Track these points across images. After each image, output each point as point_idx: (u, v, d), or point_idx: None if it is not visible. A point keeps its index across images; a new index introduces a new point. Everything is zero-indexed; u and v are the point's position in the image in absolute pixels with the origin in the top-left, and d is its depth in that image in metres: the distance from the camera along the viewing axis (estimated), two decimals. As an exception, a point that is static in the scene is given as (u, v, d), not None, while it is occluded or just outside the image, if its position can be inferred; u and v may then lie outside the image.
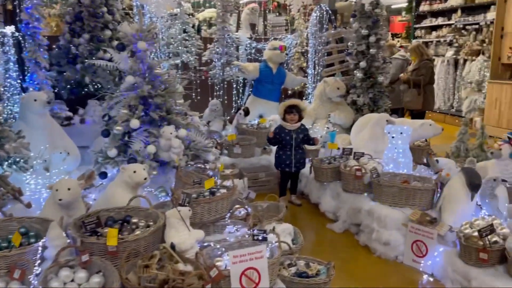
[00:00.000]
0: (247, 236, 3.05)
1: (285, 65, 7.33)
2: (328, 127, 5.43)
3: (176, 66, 6.47)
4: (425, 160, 4.33)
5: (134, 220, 2.96)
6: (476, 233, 2.98)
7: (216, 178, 4.57)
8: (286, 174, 4.77)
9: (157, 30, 6.06)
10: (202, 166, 4.78)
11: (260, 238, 2.86)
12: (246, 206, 3.63)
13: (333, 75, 6.67)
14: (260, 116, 7.05)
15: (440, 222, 3.44)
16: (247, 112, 6.39)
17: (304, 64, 7.24)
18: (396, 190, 3.72)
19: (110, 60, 4.29)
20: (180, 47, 6.40)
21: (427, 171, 4.16)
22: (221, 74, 6.31)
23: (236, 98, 7.35)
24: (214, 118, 6.55)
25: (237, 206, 3.74)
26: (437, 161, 4.15)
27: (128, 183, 3.34)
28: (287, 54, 6.87)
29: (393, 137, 4.29)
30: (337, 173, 4.45)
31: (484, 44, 9.20)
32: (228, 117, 6.68)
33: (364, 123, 5.49)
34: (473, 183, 3.44)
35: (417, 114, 6.93)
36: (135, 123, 3.96)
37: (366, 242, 3.81)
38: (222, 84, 6.53)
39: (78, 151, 4.54)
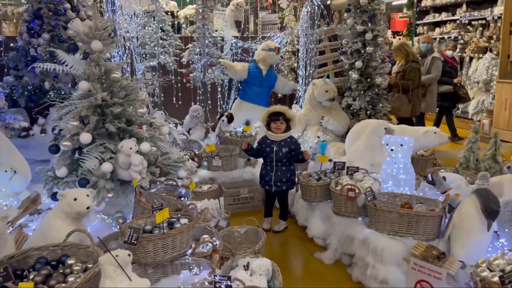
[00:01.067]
0: (207, 283, 2.44)
1: (274, 66, 6.72)
2: (319, 136, 4.80)
3: (152, 68, 5.86)
4: (429, 177, 3.69)
5: (70, 262, 2.39)
6: (496, 278, 2.35)
7: (186, 199, 3.97)
8: (268, 193, 4.14)
9: (124, 28, 5.45)
10: (174, 183, 4.18)
11: (222, 287, 2.29)
12: (214, 238, 3.02)
13: (327, 77, 6.04)
14: (247, 123, 6.43)
15: (449, 258, 2.81)
16: (230, 119, 5.77)
17: (295, 65, 6.61)
18: (396, 216, 3.09)
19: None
20: (156, 48, 5.78)
21: (433, 190, 3.53)
22: (202, 77, 5.68)
23: (221, 102, 6.73)
24: (195, 126, 5.94)
25: (204, 236, 3.13)
26: (444, 178, 3.52)
27: (68, 213, 2.76)
28: (282, 57, 6.25)
29: (392, 149, 3.66)
30: (327, 192, 3.82)
31: (492, 41, 8.55)
32: (212, 124, 6.07)
33: (360, 130, 4.86)
34: (490, 209, 2.81)
35: (405, 121, 6.30)
36: (85, 137, 3.35)
37: (359, 278, 3.18)
38: (205, 88, 5.90)
39: (28, 169, 3.92)
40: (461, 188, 3.53)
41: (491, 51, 8.58)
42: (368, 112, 5.53)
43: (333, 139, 5.41)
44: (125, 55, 5.75)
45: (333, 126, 5.36)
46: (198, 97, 6.49)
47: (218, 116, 5.83)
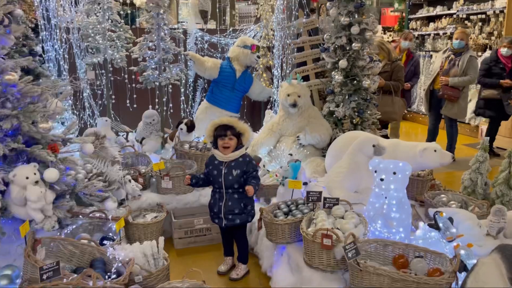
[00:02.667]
0: None
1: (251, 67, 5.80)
2: (291, 154, 3.88)
3: (95, 65, 4.90)
4: (431, 214, 2.82)
5: None
6: None
7: (118, 237, 3.06)
8: (221, 228, 3.23)
9: (63, 17, 4.47)
10: (103, 215, 3.27)
11: None
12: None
13: (305, 77, 5.13)
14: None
15: None
16: (191, 127, 4.84)
17: (271, 62, 5.69)
18: (387, 282, 2.20)
19: None
20: (102, 40, 4.80)
21: (437, 234, 2.65)
22: (156, 76, 4.73)
23: (185, 106, 5.78)
24: (149, 135, 4.99)
25: (118, 308, 2.23)
26: (450, 220, 2.64)
27: None
28: (258, 57, 5.29)
29: (381, 179, 2.76)
30: (299, 231, 2.92)
31: (493, 38, 7.71)
32: (169, 133, 5.12)
33: (343, 145, 3.97)
34: (521, 278, 1.95)
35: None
36: (-42, 164, 2.41)
37: None
38: (161, 90, 4.95)
39: None
40: (472, 232, 2.66)
41: (491, 49, 7.75)
42: (354, 120, 4.64)
43: (312, 153, 4.51)
44: (63, 49, 4.77)
45: (313, 140, 4.45)
46: (157, 99, 5.53)
47: (177, 123, 4.89)
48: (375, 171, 2.84)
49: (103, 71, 5.09)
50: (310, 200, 3.04)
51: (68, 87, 4.62)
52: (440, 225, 2.58)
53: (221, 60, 5.32)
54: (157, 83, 4.75)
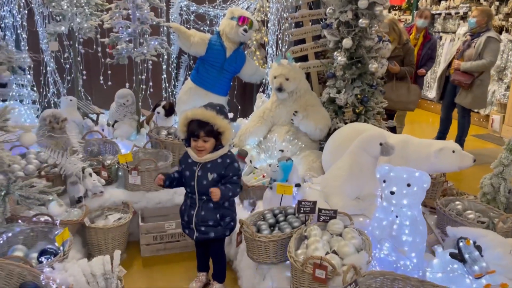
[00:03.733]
0: None
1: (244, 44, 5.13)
2: (282, 150, 3.28)
3: (61, 35, 4.23)
4: (450, 235, 2.26)
5: None
6: None
7: (62, 249, 2.50)
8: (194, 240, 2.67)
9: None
10: (50, 219, 2.72)
11: None
12: None
13: (304, 57, 4.49)
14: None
15: None
16: (169, 110, 4.23)
17: (266, 39, 5.03)
18: None
19: None
20: (67, 7, 4.12)
21: (461, 267, 2.09)
22: (131, 51, 4.07)
23: (167, 85, 5.14)
24: (123, 118, 4.36)
25: None
26: (479, 249, 2.07)
27: None
28: (245, 31, 4.60)
29: (392, 192, 2.18)
30: (286, 249, 2.36)
31: (510, 19, 7.03)
32: (145, 116, 4.51)
33: (344, 139, 3.39)
34: None
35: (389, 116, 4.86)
36: None
37: None
38: (136, 66, 4.30)
39: None
40: (503, 263, 2.10)
41: (507, 31, 7.09)
42: (357, 109, 4.03)
43: (307, 146, 3.91)
44: (21, 16, 4.09)
45: (307, 127, 3.86)
46: (134, 77, 4.89)
47: (154, 106, 4.27)
48: (384, 181, 2.26)
49: (71, 42, 4.42)
50: (302, 211, 2.46)
51: (27, 60, 3.98)
52: (466, 256, 2.02)
53: (210, 35, 4.65)
54: (134, 59, 4.09)
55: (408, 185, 2.17)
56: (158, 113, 4.12)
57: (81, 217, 2.92)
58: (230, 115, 4.64)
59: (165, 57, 4.98)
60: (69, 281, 2.11)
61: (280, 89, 3.79)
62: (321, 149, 4.14)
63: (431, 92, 8.67)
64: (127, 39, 4.13)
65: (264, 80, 4.86)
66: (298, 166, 3.73)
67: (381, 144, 2.86)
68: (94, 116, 4.47)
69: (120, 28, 4.00)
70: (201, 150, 2.40)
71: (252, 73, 4.83)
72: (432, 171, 3.19)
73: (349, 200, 2.77)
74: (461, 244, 2.05)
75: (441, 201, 3.17)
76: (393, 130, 4.65)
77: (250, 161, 3.41)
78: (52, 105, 4.51)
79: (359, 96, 4.02)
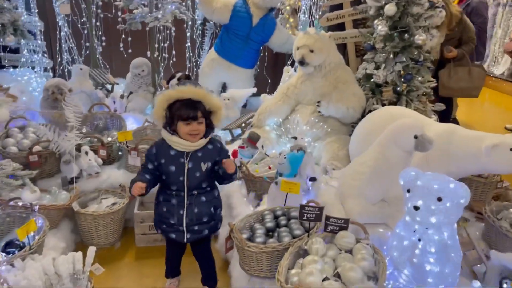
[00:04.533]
0: None
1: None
2: (295, 137, 2.76)
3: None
4: (494, 262, 1.72)
5: None
6: None
7: (28, 244, 2.24)
8: (173, 245, 2.31)
9: None
10: (27, 204, 2.47)
11: None
12: None
13: (340, 26, 3.89)
14: (222, 88, 4.50)
15: None
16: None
17: (300, 4, 4.43)
18: None
19: None
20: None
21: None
22: (145, 15, 3.69)
23: (191, 54, 4.74)
24: (137, 89, 4.04)
25: None
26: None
27: None
28: None
29: (416, 208, 1.67)
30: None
31: None
32: (162, 89, 4.16)
33: (377, 126, 2.85)
34: None
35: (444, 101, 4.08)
36: None
37: None
38: (152, 33, 3.92)
39: None
40: None
41: None
42: (398, 88, 3.42)
43: (336, 130, 3.39)
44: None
45: (338, 111, 3.32)
46: (151, 45, 4.53)
47: (169, 78, 3.90)
48: (408, 190, 1.74)
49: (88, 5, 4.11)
50: (305, 217, 2.01)
51: (38, 23, 3.72)
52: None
53: (236, 0, 4.15)
54: (148, 25, 3.71)
55: (439, 199, 1.65)
56: (173, 86, 3.74)
57: (68, 202, 2.65)
58: (253, 89, 4.19)
59: (190, 23, 4.56)
60: (22, 284, 1.83)
61: (302, 62, 3.26)
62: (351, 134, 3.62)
63: (497, 68, 7.64)
64: (142, 2, 3.73)
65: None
66: (321, 153, 3.26)
67: (416, 136, 2.30)
68: (110, 87, 4.18)
69: (134, -10, 3.61)
70: (195, 135, 2.00)
71: (283, 42, 4.32)
72: (481, 171, 2.60)
73: (369, 205, 2.27)
74: (504, 286, 1.52)
75: (492, 206, 2.60)
76: (444, 114, 3.97)
77: (262, 147, 2.96)
78: (66, 73, 4.27)
79: (401, 73, 3.41)
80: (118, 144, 3.15)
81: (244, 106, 4.36)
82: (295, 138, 2.65)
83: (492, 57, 7.81)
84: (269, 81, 4.83)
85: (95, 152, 3.03)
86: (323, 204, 2.34)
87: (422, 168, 2.40)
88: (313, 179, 2.59)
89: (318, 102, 3.33)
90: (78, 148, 2.95)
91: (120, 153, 3.21)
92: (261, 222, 2.22)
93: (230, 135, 3.79)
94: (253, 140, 2.92)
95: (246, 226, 2.19)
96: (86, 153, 2.96)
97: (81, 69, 3.77)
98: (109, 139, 3.20)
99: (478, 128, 5.51)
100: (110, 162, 3.18)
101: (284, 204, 2.31)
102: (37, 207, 2.38)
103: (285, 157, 2.34)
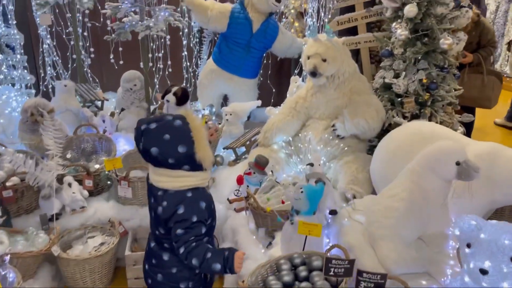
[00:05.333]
0: None
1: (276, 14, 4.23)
2: (312, 164, 2.36)
3: (59, 6, 3.55)
4: None
5: None
6: None
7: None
8: None
9: None
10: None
11: None
12: None
13: (352, 30, 3.52)
14: (224, 100, 4.14)
15: None
16: (182, 98, 3.44)
17: (306, 6, 4.05)
18: None
19: None
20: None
21: None
22: (135, 24, 3.31)
23: (188, 64, 4.36)
24: (130, 105, 3.66)
25: None
26: None
27: None
28: (278, 1, 3.69)
29: (483, 271, 1.28)
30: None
31: None
32: (157, 104, 3.78)
33: (402, 145, 2.48)
34: None
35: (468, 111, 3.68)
36: None
37: None
38: (144, 44, 3.54)
39: None
40: None
41: None
42: (420, 99, 3.04)
43: (353, 147, 3.02)
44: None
45: (357, 128, 2.93)
46: (144, 56, 4.16)
47: (164, 92, 3.52)
48: (468, 245, 1.35)
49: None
50: (331, 272, 1.62)
51: (17, 36, 3.34)
52: None
53: (232, 5, 3.78)
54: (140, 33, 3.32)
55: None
56: (168, 101, 3.36)
57: (46, 246, 2.27)
58: (258, 102, 3.81)
59: (186, 30, 4.18)
60: None
61: (314, 74, 2.88)
62: (371, 149, 3.23)
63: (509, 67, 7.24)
64: (132, 9, 3.36)
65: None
66: (337, 175, 2.87)
67: (458, 163, 1.92)
68: (100, 103, 3.80)
69: (123, -1, 3.23)
70: None
71: (288, 47, 3.94)
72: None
73: (406, 249, 1.88)
74: None
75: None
76: (469, 126, 3.60)
77: (272, 172, 2.58)
78: (51, 90, 3.89)
79: (424, 81, 3.02)
80: (106, 173, 2.77)
81: (248, 118, 3.98)
82: (312, 165, 2.26)
83: (505, 56, 7.42)
84: (274, 90, 4.45)
85: (80, 182, 2.64)
86: (349, 246, 1.96)
87: (464, 199, 2.01)
88: (333, 212, 2.21)
89: (333, 126, 2.95)
90: (61, 178, 2.58)
91: (109, 182, 2.82)
92: (276, 275, 1.83)
93: (234, 154, 3.41)
94: (260, 165, 2.53)
95: (259, 280, 1.80)
96: (70, 184, 2.58)
97: (65, 85, 3.39)
98: (97, 166, 2.81)
99: (489, 132, 5.10)
100: (99, 192, 2.79)
101: (303, 249, 1.92)
102: (7, 258, 1.99)
103: (301, 191, 1.95)
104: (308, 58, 2.91)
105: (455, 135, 2.38)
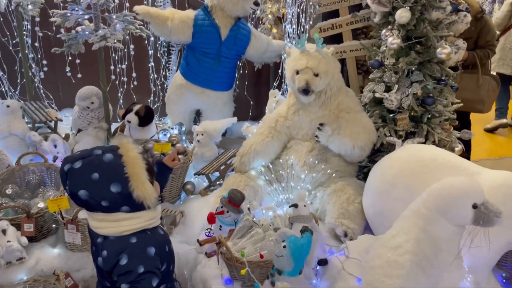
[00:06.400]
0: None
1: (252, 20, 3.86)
2: (295, 205, 1.97)
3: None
4: None
5: None
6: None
7: None
8: None
9: None
10: None
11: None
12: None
13: (336, 38, 3.15)
14: (196, 115, 3.74)
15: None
16: (145, 118, 3.03)
17: (285, 11, 3.67)
18: None
19: None
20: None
21: None
22: (88, 34, 2.87)
23: (155, 76, 3.93)
24: (87, 126, 3.21)
25: None
26: None
27: None
28: (257, 4, 3.33)
29: None
30: None
31: None
32: (120, 123, 3.33)
33: (399, 175, 2.15)
34: None
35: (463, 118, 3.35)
36: None
37: None
38: (100, 55, 3.09)
39: None
40: None
41: None
42: (415, 114, 2.69)
43: (340, 172, 2.64)
44: None
45: (340, 146, 2.57)
46: (114, 66, 3.71)
47: (124, 112, 3.08)
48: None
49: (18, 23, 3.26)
50: None
51: None
52: None
53: (194, 12, 3.38)
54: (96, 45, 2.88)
55: None
56: (129, 122, 2.93)
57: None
58: (233, 119, 3.40)
59: (152, 39, 3.76)
60: None
61: (307, 91, 2.50)
62: (363, 172, 2.88)
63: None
64: (86, 17, 2.91)
65: (281, 63, 3.54)
66: (325, 206, 2.50)
67: (475, 206, 1.56)
68: (53, 124, 3.34)
69: (70, 7, 2.78)
70: None
71: (263, 51, 3.56)
72: None
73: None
74: None
75: None
76: (468, 144, 3.28)
77: (249, 210, 2.17)
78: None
79: (419, 95, 2.67)
80: (52, 214, 2.32)
81: (223, 134, 3.58)
82: (296, 206, 1.87)
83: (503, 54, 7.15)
84: (252, 103, 4.06)
85: (18, 227, 2.19)
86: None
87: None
88: (323, 262, 1.83)
89: (321, 124, 2.57)
90: (-8, 224, 2.13)
91: (54, 225, 2.37)
92: None
93: (207, 180, 3.00)
94: (235, 203, 2.13)
95: None
96: (4, 231, 2.13)
97: (7, 106, 2.92)
98: (41, 205, 2.36)
99: (488, 141, 4.83)
100: (44, 235, 2.34)
101: (287, 320, 1.52)
102: None
103: (284, 246, 1.55)
104: (297, 73, 2.52)
105: (462, 163, 2.02)
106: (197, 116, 3.90)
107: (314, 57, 2.51)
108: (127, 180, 1.36)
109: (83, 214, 2.23)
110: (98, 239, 1.44)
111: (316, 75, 2.51)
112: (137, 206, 1.39)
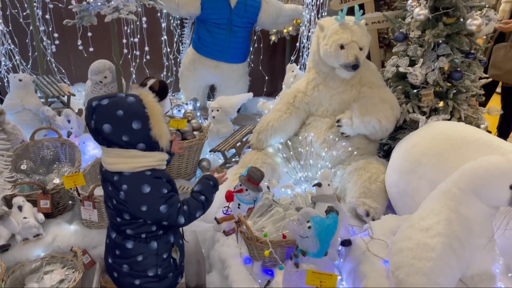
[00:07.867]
0: None
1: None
2: (318, 184, 1.90)
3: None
4: None
5: None
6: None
7: None
8: None
9: None
10: None
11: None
12: None
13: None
14: (210, 90, 3.65)
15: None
16: (160, 92, 2.95)
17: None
18: None
19: None
20: None
21: None
22: (100, 5, 2.77)
23: (168, 50, 3.83)
24: (100, 101, 3.13)
25: None
26: None
27: None
28: None
29: None
30: None
31: None
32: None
33: (426, 153, 2.04)
34: None
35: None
36: None
37: None
38: (113, 27, 2.99)
39: None
40: None
41: None
42: (441, 90, 2.58)
43: (362, 150, 2.56)
44: None
45: (366, 128, 2.48)
46: (126, 39, 3.62)
47: (137, 86, 3.00)
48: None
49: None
50: None
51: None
52: None
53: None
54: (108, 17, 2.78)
55: None
56: (144, 97, 2.86)
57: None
58: (249, 95, 3.30)
59: (164, 11, 3.64)
60: None
61: (356, 66, 2.38)
62: (383, 150, 2.79)
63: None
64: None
65: (299, 36, 3.41)
66: (346, 184, 2.43)
67: (512, 187, 1.47)
68: (66, 98, 3.28)
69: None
70: None
71: (276, 17, 3.43)
72: None
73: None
74: None
75: None
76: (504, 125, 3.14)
77: (268, 188, 2.11)
78: (7, 85, 3.35)
79: (446, 70, 2.55)
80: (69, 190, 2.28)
81: (238, 110, 3.50)
82: (319, 185, 1.79)
83: None
84: (267, 78, 3.95)
85: (34, 203, 2.16)
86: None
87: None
88: (347, 243, 1.77)
89: (338, 121, 2.48)
90: (10, 199, 2.10)
91: (70, 202, 2.34)
92: None
93: (223, 157, 2.94)
94: (254, 181, 2.06)
95: None
96: (20, 208, 2.10)
97: (20, 80, 2.86)
98: (56, 181, 2.33)
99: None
100: (60, 212, 2.31)
101: (312, 301, 1.47)
102: None
103: (309, 227, 1.49)
104: (342, 47, 2.39)
105: (494, 141, 1.92)
106: (211, 92, 3.81)
107: (355, 30, 2.40)
108: (147, 119, 1.47)
109: (99, 190, 2.18)
110: (114, 177, 1.55)
111: (361, 49, 2.41)
112: (152, 146, 1.52)
